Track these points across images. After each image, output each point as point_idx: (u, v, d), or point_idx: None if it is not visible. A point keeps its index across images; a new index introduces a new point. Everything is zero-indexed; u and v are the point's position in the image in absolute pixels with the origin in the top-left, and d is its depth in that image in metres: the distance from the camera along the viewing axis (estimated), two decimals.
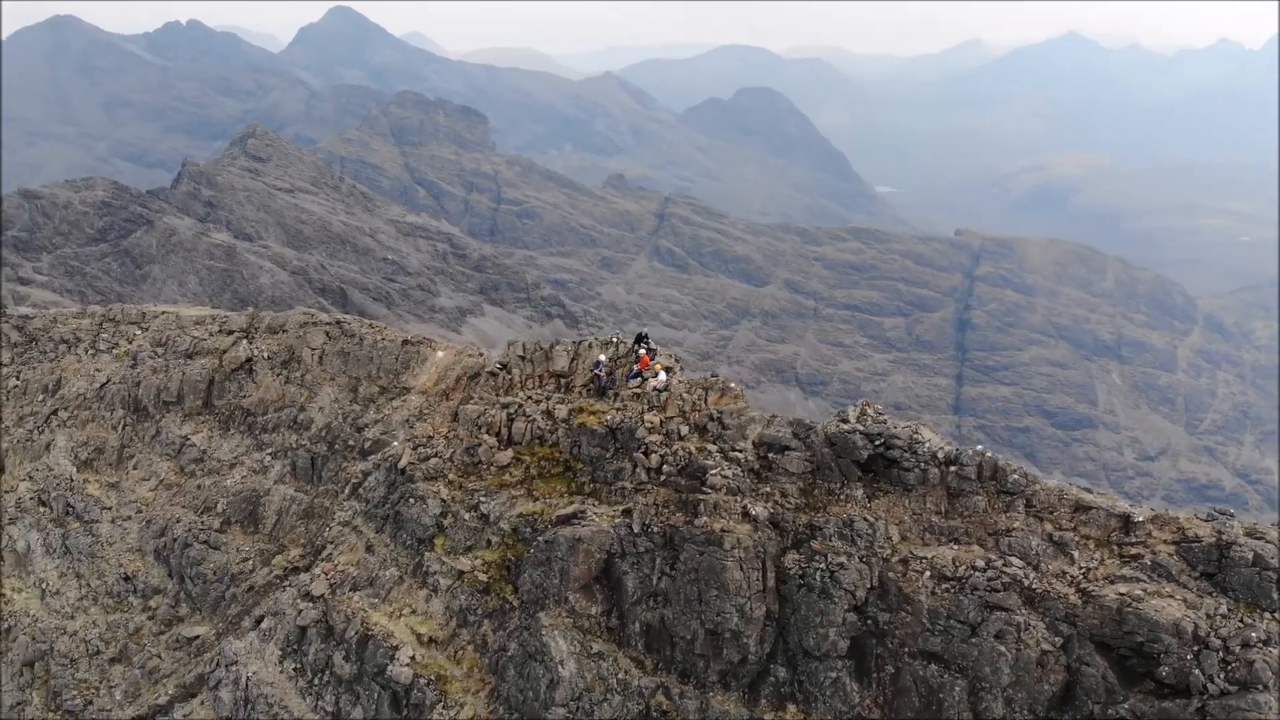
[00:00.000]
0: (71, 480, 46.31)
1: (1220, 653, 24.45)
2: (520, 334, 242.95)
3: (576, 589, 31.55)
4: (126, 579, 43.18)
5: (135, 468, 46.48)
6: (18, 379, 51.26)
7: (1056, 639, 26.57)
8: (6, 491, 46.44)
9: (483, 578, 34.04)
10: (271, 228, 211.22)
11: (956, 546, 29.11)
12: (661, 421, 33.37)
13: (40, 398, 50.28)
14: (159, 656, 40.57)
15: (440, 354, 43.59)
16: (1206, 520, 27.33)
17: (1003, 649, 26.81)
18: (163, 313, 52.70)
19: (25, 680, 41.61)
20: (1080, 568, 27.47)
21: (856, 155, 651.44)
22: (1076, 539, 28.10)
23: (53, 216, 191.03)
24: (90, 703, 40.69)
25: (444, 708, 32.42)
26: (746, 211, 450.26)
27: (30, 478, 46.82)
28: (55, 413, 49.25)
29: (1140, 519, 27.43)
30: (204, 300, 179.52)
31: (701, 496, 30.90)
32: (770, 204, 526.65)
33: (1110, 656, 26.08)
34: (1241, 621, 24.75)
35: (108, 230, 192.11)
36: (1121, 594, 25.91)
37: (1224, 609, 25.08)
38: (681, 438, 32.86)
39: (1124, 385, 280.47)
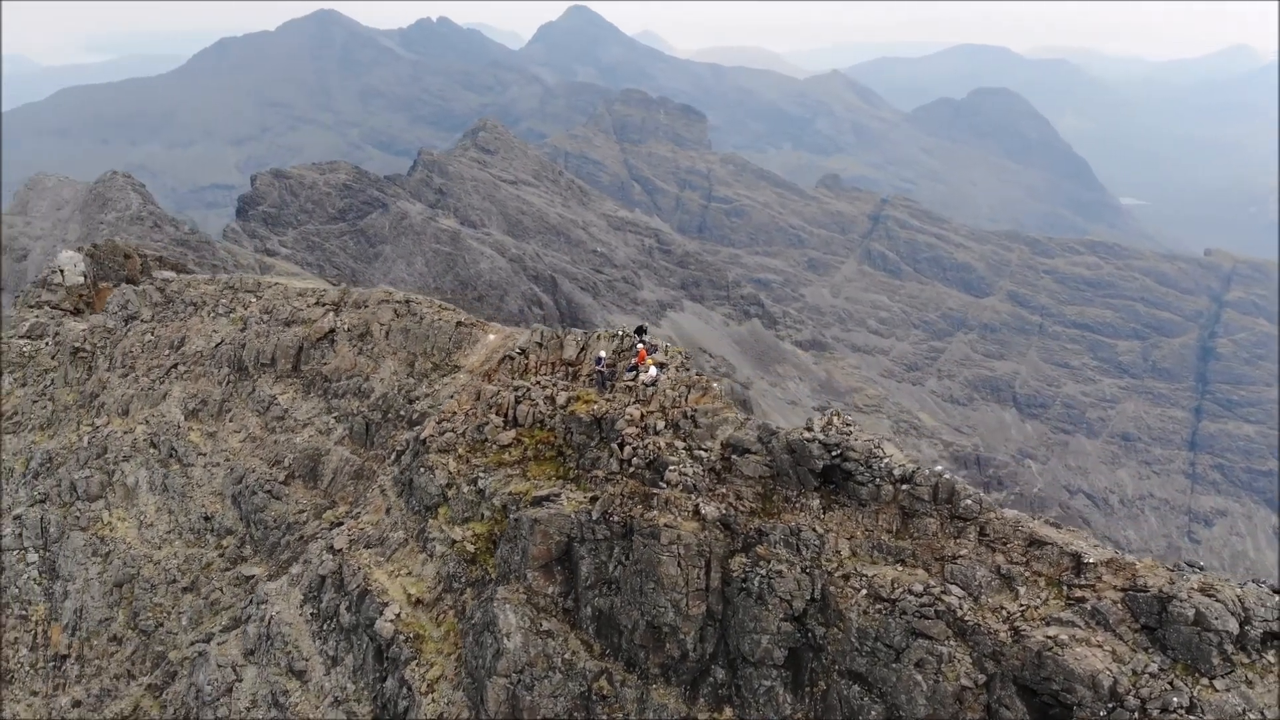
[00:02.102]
0: (178, 427, 52.13)
1: (1136, 713, 22.19)
2: (717, 331, 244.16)
3: (536, 568, 32.42)
4: (206, 519, 48.24)
5: (230, 420, 51.67)
6: (152, 334, 58.16)
7: (980, 676, 24.90)
8: (125, 432, 52.91)
9: (470, 548, 35.59)
10: (494, 216, 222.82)
11: (901, 568, 27.69)
12: (642, 415, 33.63)
13: (166, 352, 56.78)
14: (221, 590, 45.09)
15: (491, 337, 45.53)
16: (1171, 569, 24.51)
17: (919, 678, 25.39)
18: (275, 283, 58.08)
19: (114, 599, 47.42)
20: (1021, 604, 25.48)
21: (1100, 163, 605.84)
22: (1027, 574, 26.08)
23: (299, 195, 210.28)
24: (161, 625, 45.81)
25: (417, 665, 34.25)
26: (972, 217, 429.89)
27: (147, 422, 53.11)
28: (175, 366, 55.53)
29: (1091, 560, 25.08)
30: (428, 280, 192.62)
31: (656, 491, 30.94)
32: (1000, 210, 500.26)
33: (1034, 702, 24.23)
34: (1170, 684, 22.22)
35: (347, 210, 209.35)
36: (1049, 637, 23.94)
37: (1155, 667, 22.59)
38: (656, 433, 32.97)
39: None
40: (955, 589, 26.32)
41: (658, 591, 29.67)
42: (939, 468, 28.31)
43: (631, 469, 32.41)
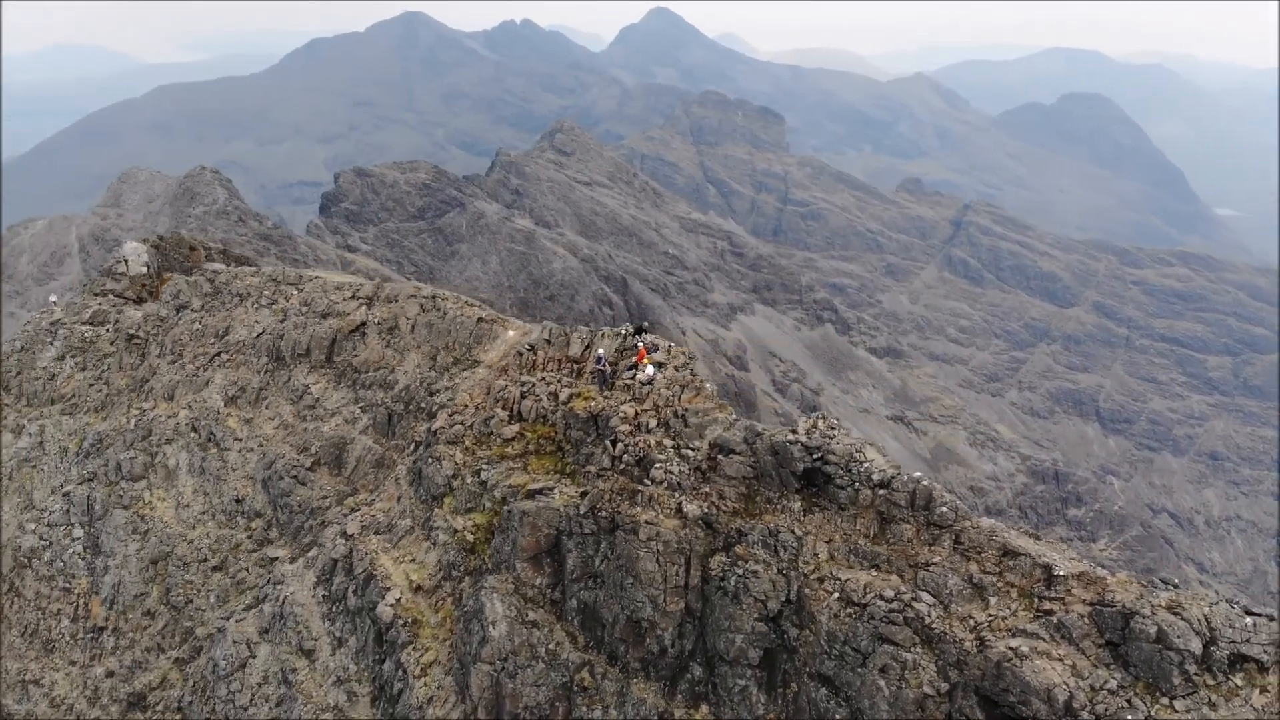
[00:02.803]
0: (218, 413, 54.06)
1: None
2: (788, 335, 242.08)
3: (525, 559, 32.88)
4: (238, 501, 49.96)
5: (266, 407, 53.37)
6: (200, 324, 60.41)
7: (943, 684, 24.56)
8: (169, 416, 55.06)
9: (470, 538, 36.21)
10: (568, 217, 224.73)
11: (876, 573, 27.39)
12: (636, 414, 33.84)
13: (211, 341, 58.91)
14: (247, 570, 46.68)
15: (511, 333, 46.16)
16: (1144, 585, 23.68)
17: (882, 684, 25.11)
18: (315, 277, 59.76)
19: (149, 575, 49.44)
20: (990, 614, 25.03)
21: (1195, 172, 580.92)
22: (1000, 584, 25.58)
23: (380, 194, 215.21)
24: (190, 601, 47.62)
25: (413, 649, 35.04)
26: (1059, 225, 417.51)
27: (189, 407, 55.20)
28: (219, 354, 57.59)
29: (1062, 573, 24.40)
30: (502, 279, 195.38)
31: (641, 488, 31.06)
32: (1088, 218, 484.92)
33: (995, 713, 23.88)
34: (1128, 701, 21.62)
35: (426, 209, 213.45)
36: (1010, 648, 23.51)
37: (1114, 684, 21.98)
38: (648, 431, 33.13)
39: None
40: (926, 596, 25.92)
41: (636, 587, 29.84)
42: (918, 474, 27.80)
43: (622, 465, 32.64)
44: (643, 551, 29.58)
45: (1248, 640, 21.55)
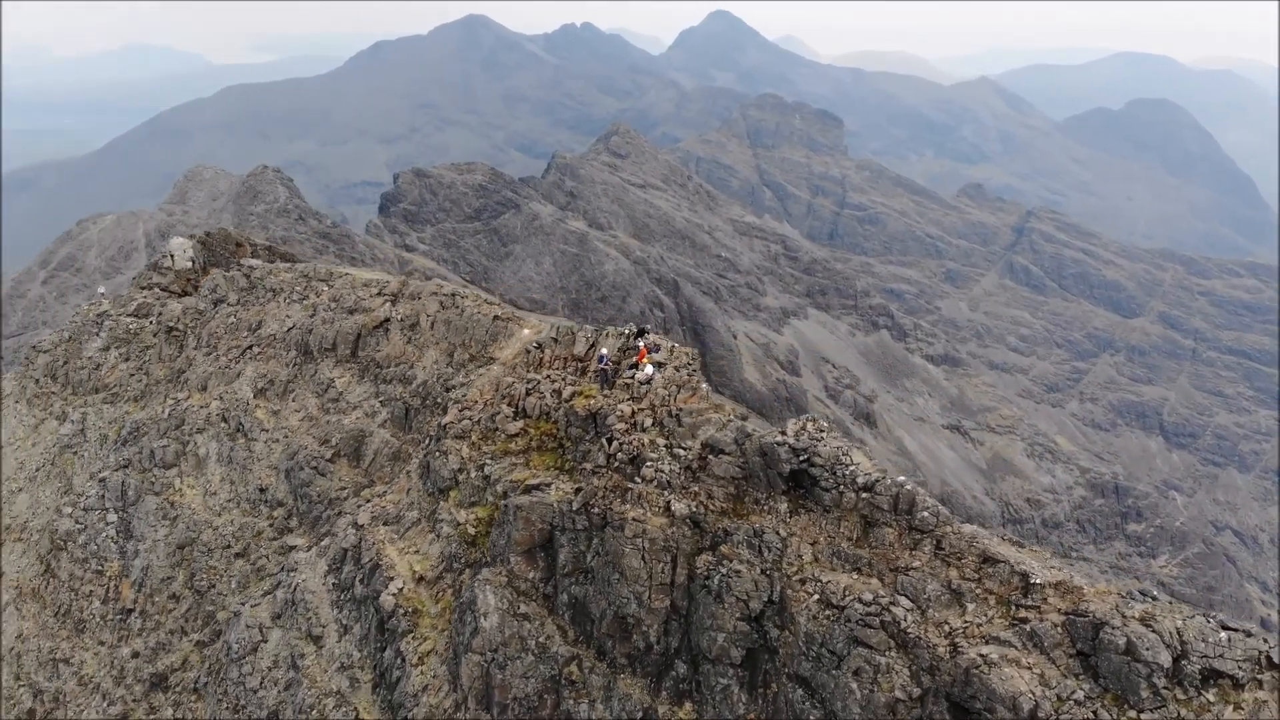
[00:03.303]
0: (247, 404, 55.38)
1: None
2: (842, 341, 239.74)
3: (519, 553, 33.21)
4: (261, 490, 51.13)
5: (293, 400, 54.54)
6: (235, 317, 62.01)
7: (915, 689, 24.31)
8: (202, 406, 56.55)
9: (472, 531, 36.68)
10: (621, 219, 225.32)
11: (857, 575, 27.19)
12: (633, 412, 34.01)
13: (244, 334, 60.39)
14: (267, 558, 47.76)
15: (526, 331, 46.58)
16: (1122, 596, 23.08)
17: (854, 687, 24.90)
18: (345, 274, 61.00)
19: (176, 560, 50.87)
20: (966, 621, 24.69)
21: (1266, 180, 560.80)
22: (978, 591, 25.23)
23: (438, 194, 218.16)
24: (213, 586, 48.88)
25: (413, 638, 35.62)
26: (1124, 233, 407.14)
27: (221, 398, 56.65)
28: (250, 347, 59.02)
29: (1038, 581, 23.96)
30: (554, 280, 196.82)
31: (631, 486, 31.13)
32: (1156, 227, 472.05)
33: None
34: (1094, 713, 21.18)
35: (482, 210, 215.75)
36: (981, 655, 23.20)
37: (1081, 694, 21.52)
38: (643, 429, 33.26)
39: None
40: (904, 600, 25.63)
41: (622, 583, 29.97)
42: (901, 478, 27.44)
43: (616, 463, 32.80)
44: (628, 548, 29.70)
45: (1221, 655, 20.91)
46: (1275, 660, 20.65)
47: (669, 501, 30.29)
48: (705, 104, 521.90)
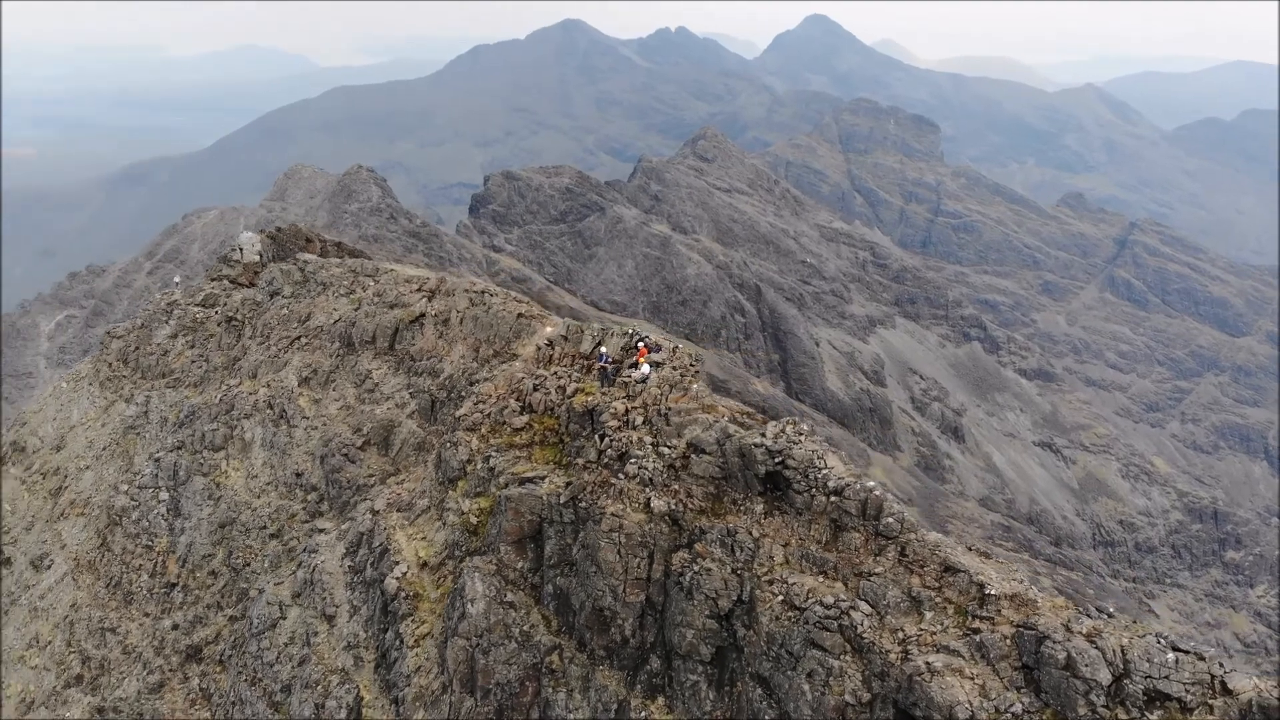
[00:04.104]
0: (292, 392, 57.38)
1: None
2: (931, 352, 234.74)
3: (509, 543, 33.74)
4: (297, 475, 52.90)
5: (333, 389, 56.31)
6: (287, 309, 64.40)
7: (866, 694, 23.95)
8: (250, 393, 58.81)
9: (474, 520, 37.42)
10: (705, 223, 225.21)
11: (823, 579, 26.98)
12: (627, 410, 34.30)
13: (294, 325, 62.59)
14: (297, 539, 49.44)
15: (548, 329, 47.03)
16: (1079, 612, 22.26)
17: (806, 689, 24.68)
18: (391, 270, 62.87)
19: (217, 538, 53.13)
20: (922, 628, 24.22)
21: None
22: (938, 599, 24.85)
23: (526, 196, 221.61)
24: (248, 564, 50.84)
25: (412, 621, 36.54)
26: (1233, 248, 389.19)
27: (268, 385, 58.85)
28: (299, 338, 61.14)
29: (994, 592, 23.26)
30: (636, 283, 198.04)
31: (615, 481, 31.28)
32: (1268, 242, 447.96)
33: None
34: None
35: (567, 213, 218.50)
36: (927, 663, 22.75)
37: (1019, 708, 21.01)
38: (634, 427, 33.42)
39: None
40: (864, 605, 25.29)
41: (598, 575, 30.22)
42: (871, 483, 26.95)
43: (605, 459, 33.01)
44: (604, 541, 29.96)
45: (1166, 677, 20.02)
46: (1230, 686, 19.60)
47: (649, 498, 30.49)
48: (798, 108, 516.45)
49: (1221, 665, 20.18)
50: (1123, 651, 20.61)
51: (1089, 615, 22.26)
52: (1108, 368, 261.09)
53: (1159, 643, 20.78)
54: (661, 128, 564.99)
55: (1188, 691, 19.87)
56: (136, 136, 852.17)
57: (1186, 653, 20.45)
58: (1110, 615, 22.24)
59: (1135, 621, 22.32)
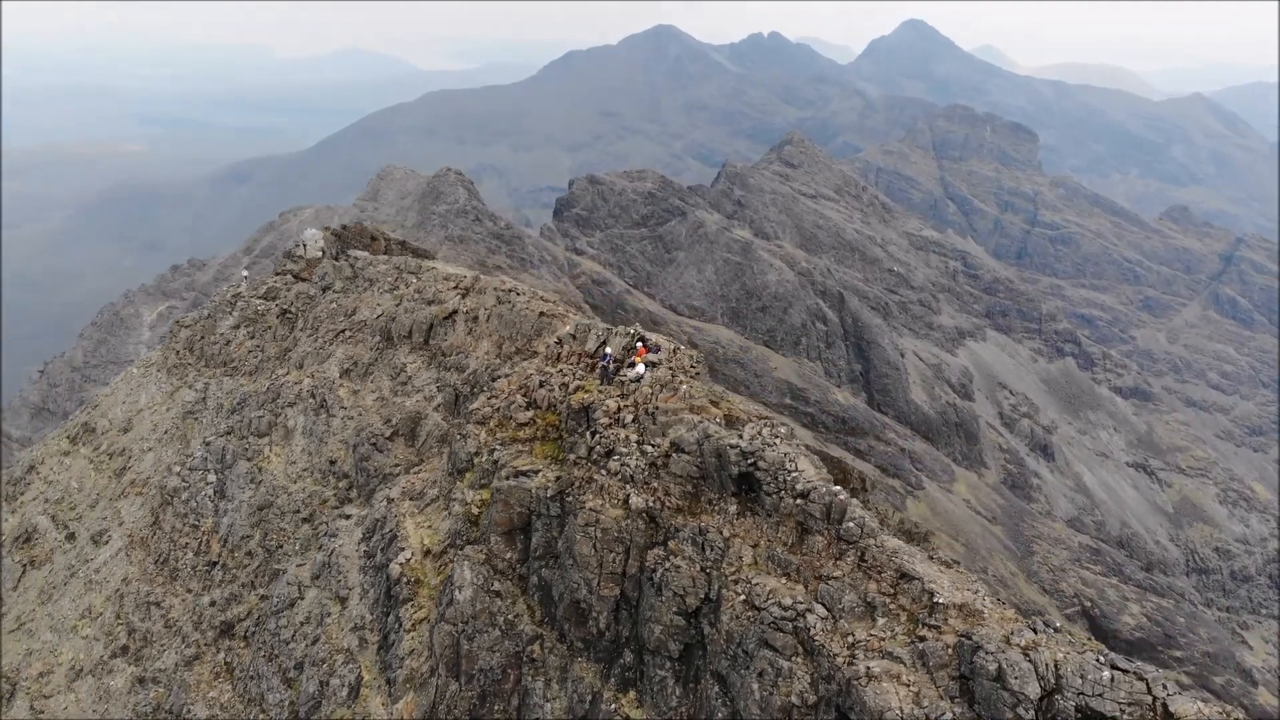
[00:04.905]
0: (333, 383, 59.19)
1: None
2: (1022, 366, 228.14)
3: (499, 533, 34.31)
4: (331, 462, 54.57)
5: (371, 381, 57.89)
6: (336, 303, 66.59)
7: (813, 696, 23.66)
8: (295, 383, 60.84)
9: (475, 511, 38.17)
10: (788, 229, 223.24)
11: (785, 580, 26.88)
12: (619, 408, 34.41)
13: (341, 319, 64.57)
14: (327, 524, 50.96)
15: (566, 328, 47.45)
16: (1026, 624, 21.56)
17: (755, 688, 24.61)
18: (432, 268, 64.46)
19: (255, 520, 55.17)
20: (872, 634, 23.91)
21: None
22: (892, 605, 24.51)
23: (609, 200, 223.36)
24: (280, 546, 52.69)
25: (411, 606, 37.52)
26: None
27: (312, 376, 60.84)
28: (344, 331, 63.07)
29: (942, 601, 22.67)
30: (715, 288, 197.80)
31: (598, 477, 31.52)
32: None
33: None
34: None
35: (649, 217, 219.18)
36: (867, 668, 22.34)
37: (951, 716, 20.64)
38: (624, 425, 33.56)
39: None
40: (820, 608, 25.05)
41: (575, 569, 30.51)
42: (836, 488, 26.57)
43: (594, 455, 33.23)
44: (579, 535, 30.19)
45: (1100, 695, 19.28)
46: (1171, 709, 18.65)
47: (629, 495, 30.72)
48: (890, 114, 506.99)
49: (1165, 687, 19.28)
50: (1055, 666, 19.94)
51: (1034, 629, 21.49)
52: (1209, 388, 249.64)
53: (1098, 660, 20.02)
54: (750, 133, 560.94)
55: (1123, 711, 19.08)
56: (243, 136, 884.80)
57: (1126, 672, 19.65)
58: (1055, 629, 21.41)
59: (1090, 640, 21.41)
